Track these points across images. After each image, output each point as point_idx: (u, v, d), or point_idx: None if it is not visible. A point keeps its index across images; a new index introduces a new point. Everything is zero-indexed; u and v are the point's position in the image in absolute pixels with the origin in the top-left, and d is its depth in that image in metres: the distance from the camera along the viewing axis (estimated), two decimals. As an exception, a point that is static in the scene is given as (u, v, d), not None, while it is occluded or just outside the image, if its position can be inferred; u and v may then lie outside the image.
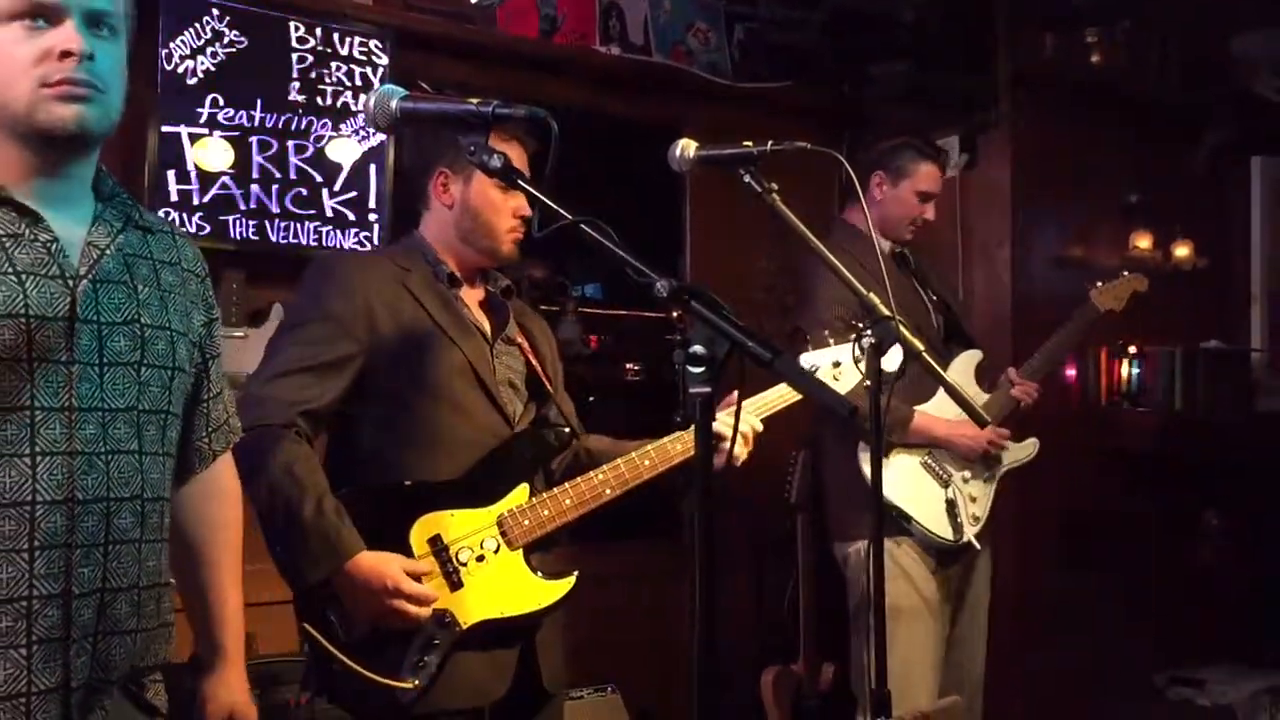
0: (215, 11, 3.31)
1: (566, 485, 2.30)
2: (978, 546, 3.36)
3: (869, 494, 2.39)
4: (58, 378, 1.54)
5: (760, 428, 2.44)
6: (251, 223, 3.38)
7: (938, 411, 3.31)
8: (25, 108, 1.54)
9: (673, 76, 4.24)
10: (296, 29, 3.46)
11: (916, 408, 3.31)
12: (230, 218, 3.34)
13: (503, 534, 2.25)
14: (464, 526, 2.23)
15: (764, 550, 4.17)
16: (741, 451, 2.38)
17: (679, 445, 2.37)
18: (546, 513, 2.27)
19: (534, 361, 2.43)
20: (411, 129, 2.12)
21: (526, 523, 2.26)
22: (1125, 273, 3.66)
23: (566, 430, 2.39)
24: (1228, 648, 4.66)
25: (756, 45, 4.44)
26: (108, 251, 1.63)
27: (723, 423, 2.26)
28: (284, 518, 2.09)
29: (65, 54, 1.54)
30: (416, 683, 2.12)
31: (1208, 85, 4.78)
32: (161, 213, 3.20)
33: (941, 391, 3.03)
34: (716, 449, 2.30)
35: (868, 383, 2.26)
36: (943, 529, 3.30)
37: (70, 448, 1.55)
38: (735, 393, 2.36)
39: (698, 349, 1.45)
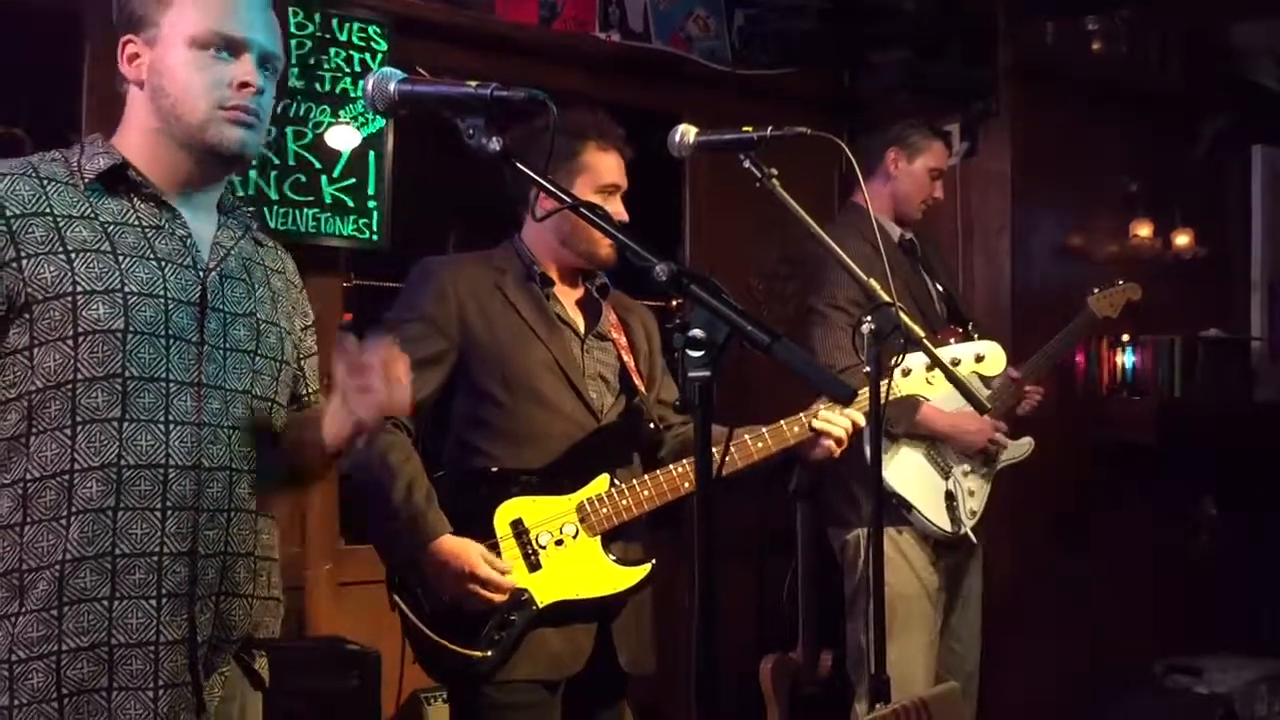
0: (213, -3, 3.30)
1: (646, 478, 2.43)
2: (974, 540, 3.38)
3: (870, 481, 2.39)
4: (188, 356, 1.70)
5: (862, 422, 2.48)
6: (249, 209, 3.36)
7: (942, 404, 3.31)
8: (199, 124, 1.73)
9: (672, 63, 4.23)
10: (295, 14, 3.44)
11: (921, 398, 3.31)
12: (229, 204, 3.33)
13: (581, 520, 2.39)
14: (545, 511, 2.38)
15: (764, 538, 4.17)
16: (833, 446, 2.46)
17: (759, 444, 2.46)
18: (625, 502, 2.40)
19: (626, 357, 2.53)
20: (517, 137, 2.14)
21: (605, 511, 2.39)
22: (1120, 281, 3.70)
23: (650, 426, 2.52)
24: (1225, 636, 4.67)
25: (757, 32, 4.43)
26: (232, 251, 1.81)
27: (824, 419, 2.44)
28: (377, 500, 2.30)
29: (243, 85, 1.74)
30: (489, 654, 2.29)
31: (1208, 74, 4.77)
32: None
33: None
34: (817, 444, 2.46)
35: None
36: (941, 520, 3.31)
37: (198, 419, 1.70)
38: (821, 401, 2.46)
39: (697, 333, 1.45)
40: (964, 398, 2.53)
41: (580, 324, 2.52)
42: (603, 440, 2.44)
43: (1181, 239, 4.66)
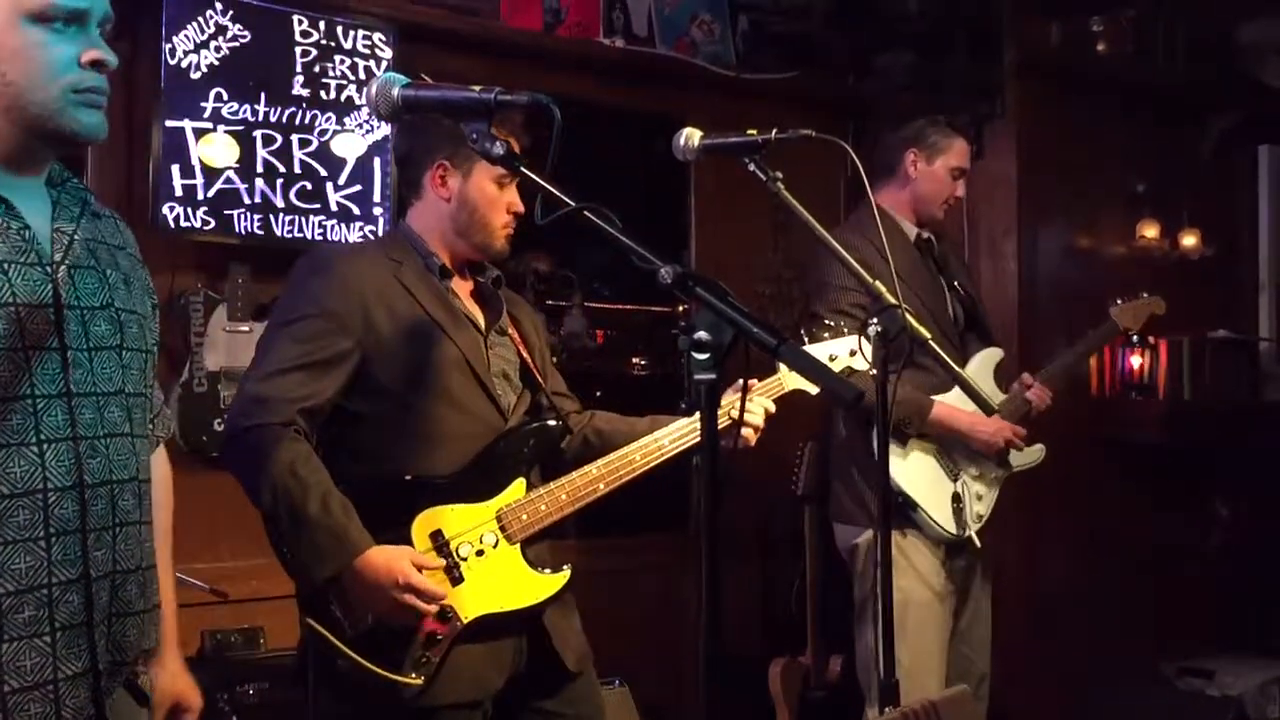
0: (219, 6, 3.31)
1: (563, 480, 2.32)
2: (978, 544, 3.35)
3: (878, 482, 2.38)
4: (53, 365, 1.55)
5: (772, 409, 2.41)
6: (256, 217, 3.38)
7: (957, 404, 3.29)
8: (51, 111, 1.56)
9: (676, 68, 4.22)
10: (300, 22, 3.45)
11: (935, 398, 3.29)
12: (235, 212, 3.33)
13: (501, 529, 2.27)
14: (464, 521, 2.24)
15: (771, 542, 4.17)
16: (751, 435, 2.37)
17: (668, 439, 2.37)
18: (544, 508, 2.29)
19: (524, 353, 2.43)
20: (409, 119, 2.10)
21: (525, 517, 2.28)
22: (1145, 294, 3.63)
23: (558, 423, 2.39)
24: (1236, 638, 4.65)
25: (760, 36, 4.43)
26: (75, 237, 1.64)
27: (748, 409, 2.32)
28: (289, 517, 2.09)
29: (96, 64, 1.58)
30: (421, 678, 2.14)
31: (1214, 73, 4.76)
32: (166, 208, 3.21)
33: (956, 386, 3.02)
34: (723, 434, 2.32)
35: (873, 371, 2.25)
36: (946, 520, 3.29)
37: (74, 433, 1.55)
38: (741, 379, 2.37)
39: (702, 335, 1.44)
40: (969, 398, 2.52)
41: (480, 319, 2.39)
42: (513, 442, 2.32)
43: (1189, 239, 4.65)
